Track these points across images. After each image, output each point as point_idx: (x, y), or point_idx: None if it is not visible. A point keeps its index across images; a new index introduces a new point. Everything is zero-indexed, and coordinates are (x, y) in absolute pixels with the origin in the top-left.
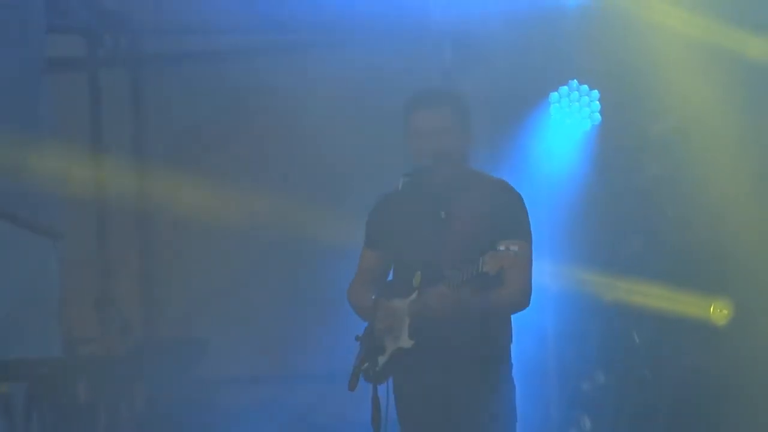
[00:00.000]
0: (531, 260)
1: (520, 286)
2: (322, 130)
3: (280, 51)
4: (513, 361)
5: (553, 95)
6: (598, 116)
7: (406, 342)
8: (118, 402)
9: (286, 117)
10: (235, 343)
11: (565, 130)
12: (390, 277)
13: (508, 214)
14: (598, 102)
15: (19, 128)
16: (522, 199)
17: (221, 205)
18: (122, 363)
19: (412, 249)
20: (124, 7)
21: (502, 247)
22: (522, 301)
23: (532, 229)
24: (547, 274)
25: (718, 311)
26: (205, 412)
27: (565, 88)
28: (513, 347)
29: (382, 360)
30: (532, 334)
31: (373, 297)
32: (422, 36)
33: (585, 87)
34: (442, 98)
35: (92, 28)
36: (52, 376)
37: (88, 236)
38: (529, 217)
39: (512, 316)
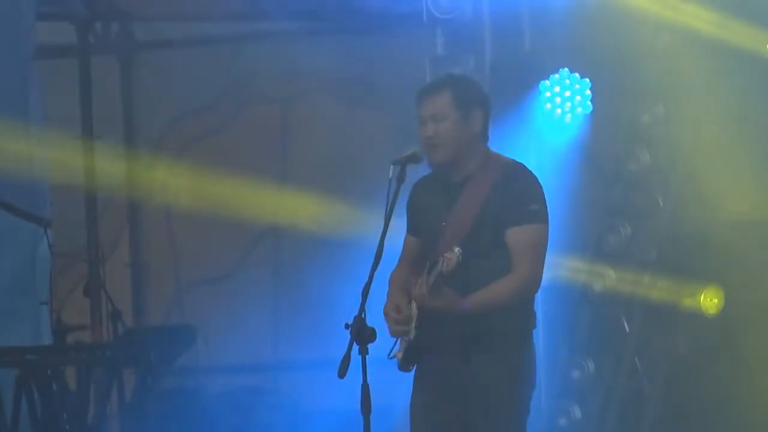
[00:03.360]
0: (541, 243)
1: (523, 274)
2: (313, 118)
3: (271, 38)
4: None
5: (544, 84)
6: (589, 105)
7: (411, 333)
8: (107, 389)
9: (277, 104)
10: (225, 330)
11: (555, 118)
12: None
13: (517, 198)
14: (589, 91)
15: (8, 115)
16: (535, 180)
17: (211, 193)
18: (111, 350)
19: (430, 236)
20: None
21: (456, 249)
22: (526, 289)
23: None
24: None
25: (708, 300)
26: (194, 399)
27: (556, 76)
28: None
29: (402, 350)
30: None
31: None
32: (413, 24)
33: (576, 75)
34: (445, 83)
35: (82, 15)
36: (42, 364)
37: (77, 223)
38: (543, 197)
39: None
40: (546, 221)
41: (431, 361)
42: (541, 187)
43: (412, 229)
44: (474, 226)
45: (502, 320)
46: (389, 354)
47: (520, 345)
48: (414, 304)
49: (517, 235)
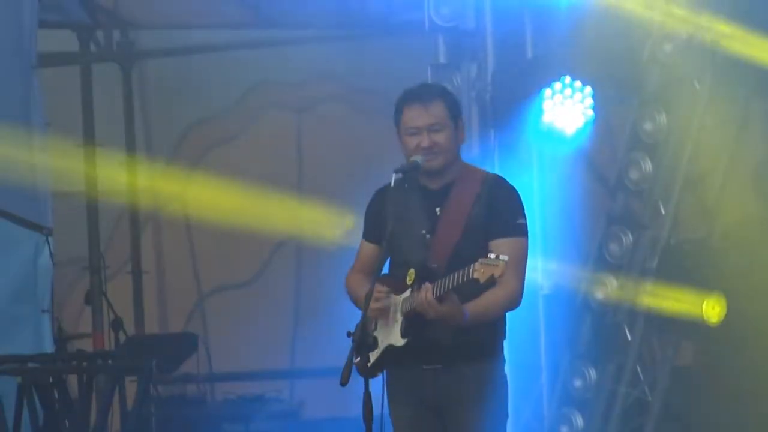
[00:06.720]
0: (526, 256)
1: (513, 287)
2: (327, 126)
3: (272, 46)
4: (505, 357)
5: (546, 91)
6: (591, 113)
7: (398, 340)
8: (109, 397)
9: (278, 111)
10: (227, 338)
11: (557, 126)
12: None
13: (503, 211)
14: (591, 99)
15: (10, 123)
16: (517, 194)
17: (214, 201)
18: (113, 358)
19: (407, 245)
20: (116, 2)
21: (492, 255)
22: (514, 302)
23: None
24: (539, 270)
25: (711, 309)
26: (196, 407)
27: (558, 84)
28: (505, 343)
29: (373, 355)
30: (523, 331)
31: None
32: (415, 32)
33: (578, 83)
34: (436, 93)
35: (84, 23)
36: (44, 372)
37: (79, 231)
38: (525, 211)
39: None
40: (528, 235)
41: (411, 369)
42: (522, 201)
43: (373, 237)
44: (462, 236)
45: (487, 330)
46: (353, 360)
47: (498, 354)
48: (396, 309)
49: (504, 248)
